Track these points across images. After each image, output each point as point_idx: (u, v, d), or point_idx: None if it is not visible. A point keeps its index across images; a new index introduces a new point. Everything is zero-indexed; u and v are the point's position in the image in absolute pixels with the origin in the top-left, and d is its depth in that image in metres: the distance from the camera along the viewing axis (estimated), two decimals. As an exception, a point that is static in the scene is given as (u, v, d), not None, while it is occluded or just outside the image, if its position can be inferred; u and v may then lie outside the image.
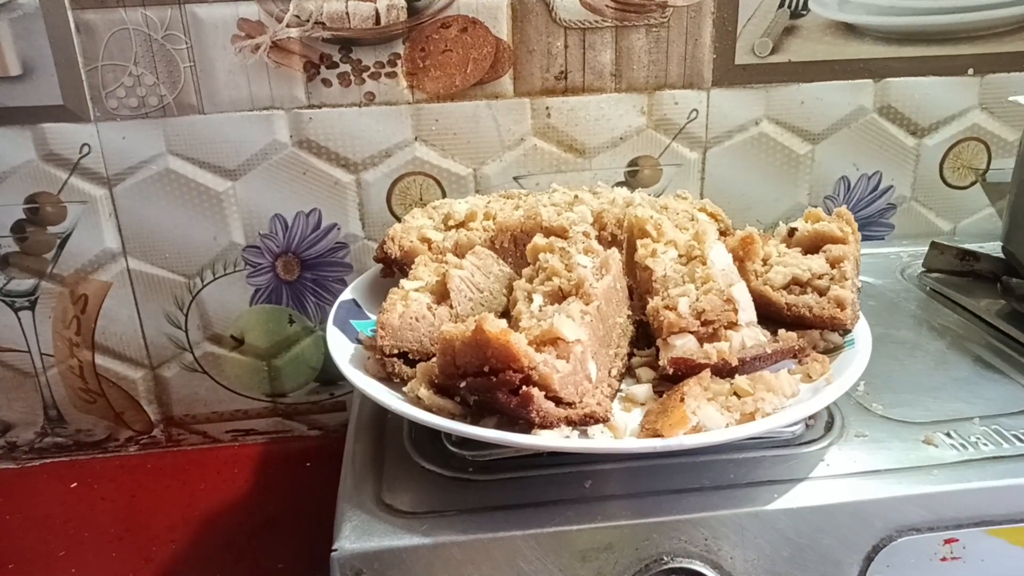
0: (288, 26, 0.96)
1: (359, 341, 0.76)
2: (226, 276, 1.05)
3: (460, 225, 0.86)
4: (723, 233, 0.89)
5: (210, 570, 0.93)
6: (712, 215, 0.89)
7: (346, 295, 0.83)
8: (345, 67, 0.98)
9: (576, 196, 0.88)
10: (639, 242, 0.74)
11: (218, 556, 0.94)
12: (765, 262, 0.76)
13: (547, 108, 1.03)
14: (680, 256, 0.73)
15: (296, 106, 0.99)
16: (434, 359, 0.63)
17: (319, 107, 0.99)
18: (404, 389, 0.65)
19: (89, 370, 1.07)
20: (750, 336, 0.67)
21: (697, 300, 0.66)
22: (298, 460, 1.12)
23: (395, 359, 0.68)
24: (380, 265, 0.86)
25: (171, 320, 1.06)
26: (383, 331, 0.68)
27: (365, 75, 0.99)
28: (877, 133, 1.10)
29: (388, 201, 1.04)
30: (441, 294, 0.73)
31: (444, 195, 1.05)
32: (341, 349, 0.73)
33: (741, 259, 0.76)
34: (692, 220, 0.88)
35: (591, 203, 0.87)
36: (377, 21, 0.97)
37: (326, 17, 0.96)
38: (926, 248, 1.07)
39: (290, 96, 0.98)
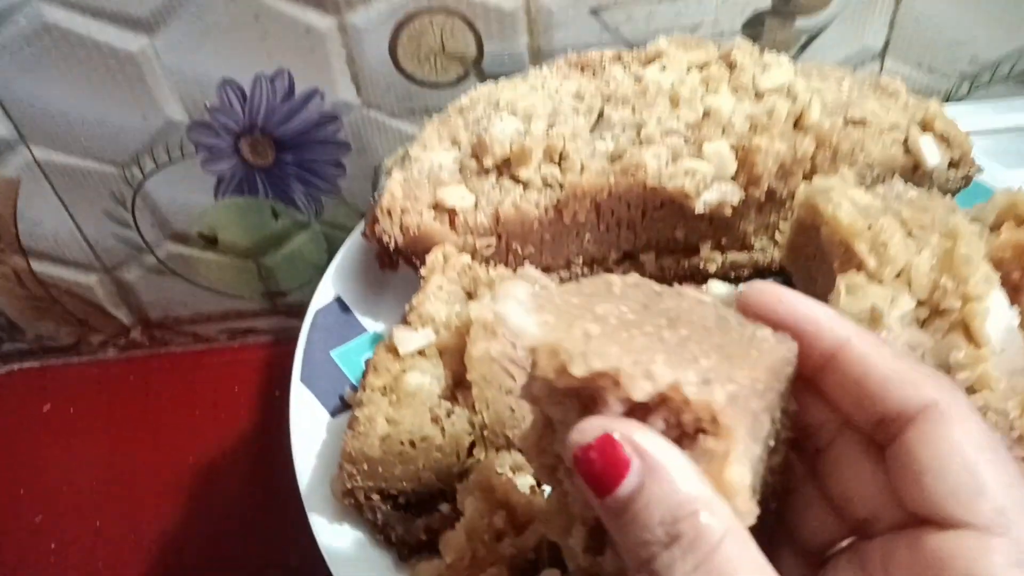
0: None
1: (344, 403, 0.48)
2: (173, 164, 0.74)
3: (503, 169, 0.52)
4: (952, 165, 0.53)
5: (220, 533, 0.77)
6: (943, 137, 0.51)
7: (325, 292, 0.53)
8: None
9: (707, 87, 0.50)
10: (843, 282, 0.41)
11: (226, 513, 0.76)
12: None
13: None
14: (919, 304, 0.41)
15: (224, -90, 0.59)
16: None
17: (263, -91, 0.59)
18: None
19: (28, 277, 0.83)
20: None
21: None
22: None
23: (374, 502, 0.41)
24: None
25: (115, 219, 0.78)
26: (353, 466, 0.40)
27: None
28: None
29: (392, 53, 0.67)
30: (460, 365, 0.42)
31: (479, 42, 0.67)
32: (308, 440, 0.45)
33: (1016, 285, 0.42)
34: (906, 152, 0.51)
35: (732, 117, 0.50)
36: None
37: None
38: None
39: None
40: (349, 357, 0.50)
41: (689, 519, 0.25)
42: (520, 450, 0.30)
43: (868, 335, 0.29)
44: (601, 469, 0.26)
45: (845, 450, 0.29)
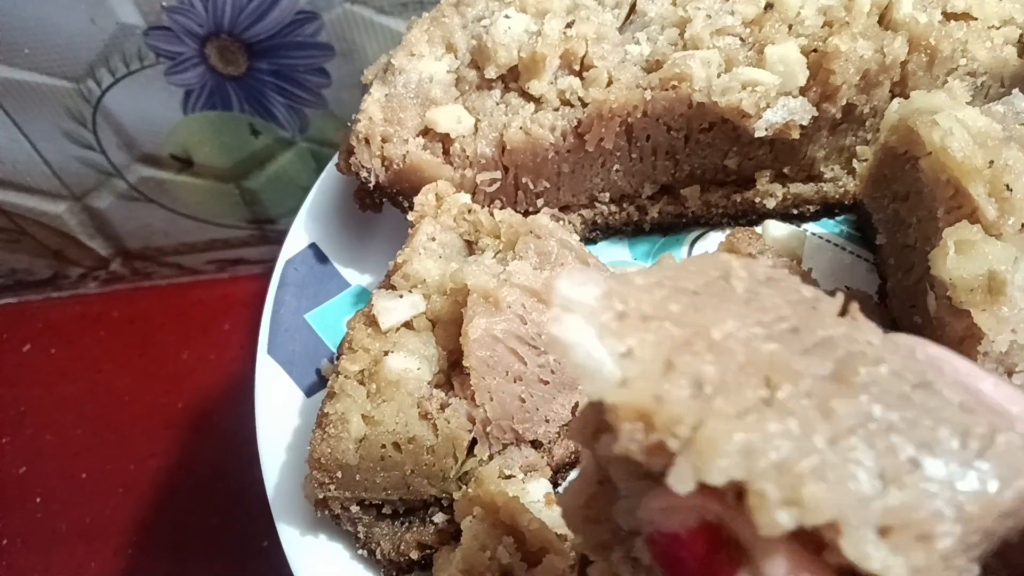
0: None
1: (321, 378, 0.40)
2: (133, 75, 0.64)
3: (509, 82, 0.41)
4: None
5: (213, 482, 0.71)
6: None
7: (297, 237, 0.44)
8: None
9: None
10: (951, 237, 0.31)
11: (220, 460, 0.70)
12: None
13: None
14: None
15: None
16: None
17: None
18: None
19: (-10, 207, 0.74)
20: None
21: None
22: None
23: (352, 513, 0.34)
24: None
25: (76, 140, 0.69)
26: (324, 474, 0.32)
27: None
28: None
29: (377, -67, 0.56)
30: (457, 342, 0.34)
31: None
32: (277, 428, 0.37)
33: None
34: (1023, 53, 0.40)
35: (802, 10, 0.39)
36: None
37: None
38: None
39: None
40: (328, 319, 0.42)
41: None
42: (562, 511, 0.21)
43: None
44: None
45: None
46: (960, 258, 0.31)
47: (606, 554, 0.21)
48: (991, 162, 0.31)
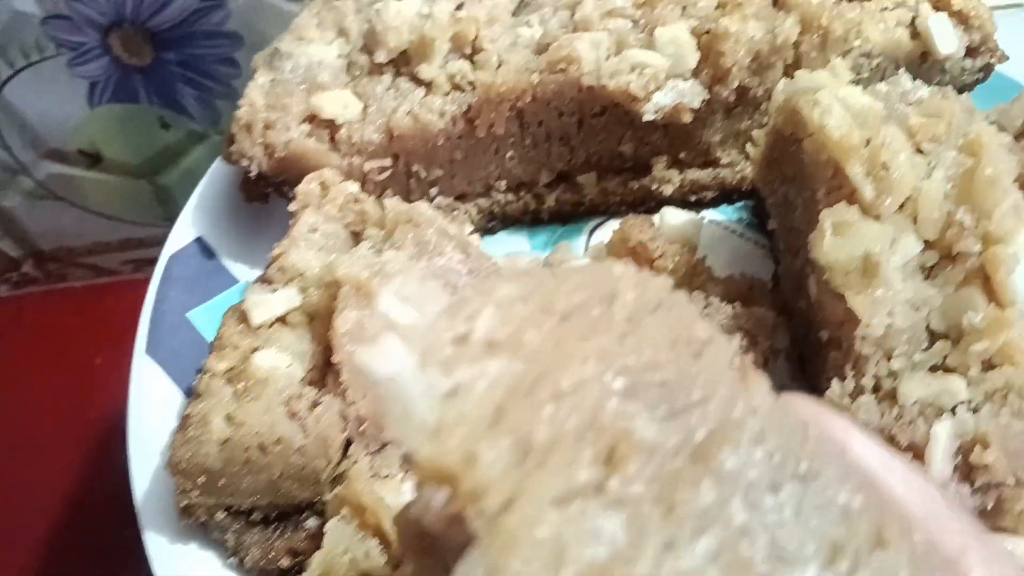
0: None
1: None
2: (34, 66, 0.62)
3: (400, 66, 0.40)
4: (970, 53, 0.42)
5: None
6: (960, 16, 0.40)
7: (182, 232, 0.42)
8: None
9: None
10: (828, 219, 0.30)
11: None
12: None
13: None
14: (926, 247, 0.30)
15: None
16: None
17: None
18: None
19: None
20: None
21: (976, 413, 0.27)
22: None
23: (219, 520, 0.32)
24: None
25: (-26, 135, 0.66)
26: (187, 480, 0.30)
27: None
28: None
29: (278, -82, 0.54)
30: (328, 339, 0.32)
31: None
32: (151, 432, 0.35)
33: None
34: (914, 36, 0.40)
35: None
36: None
37: None
38: None
39: None
40: (213, 317, 0.40)
41: None
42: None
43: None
44: None
45: None
46: (837, 240, 0.30)
47: None
48: (868, 140, 0.31)
